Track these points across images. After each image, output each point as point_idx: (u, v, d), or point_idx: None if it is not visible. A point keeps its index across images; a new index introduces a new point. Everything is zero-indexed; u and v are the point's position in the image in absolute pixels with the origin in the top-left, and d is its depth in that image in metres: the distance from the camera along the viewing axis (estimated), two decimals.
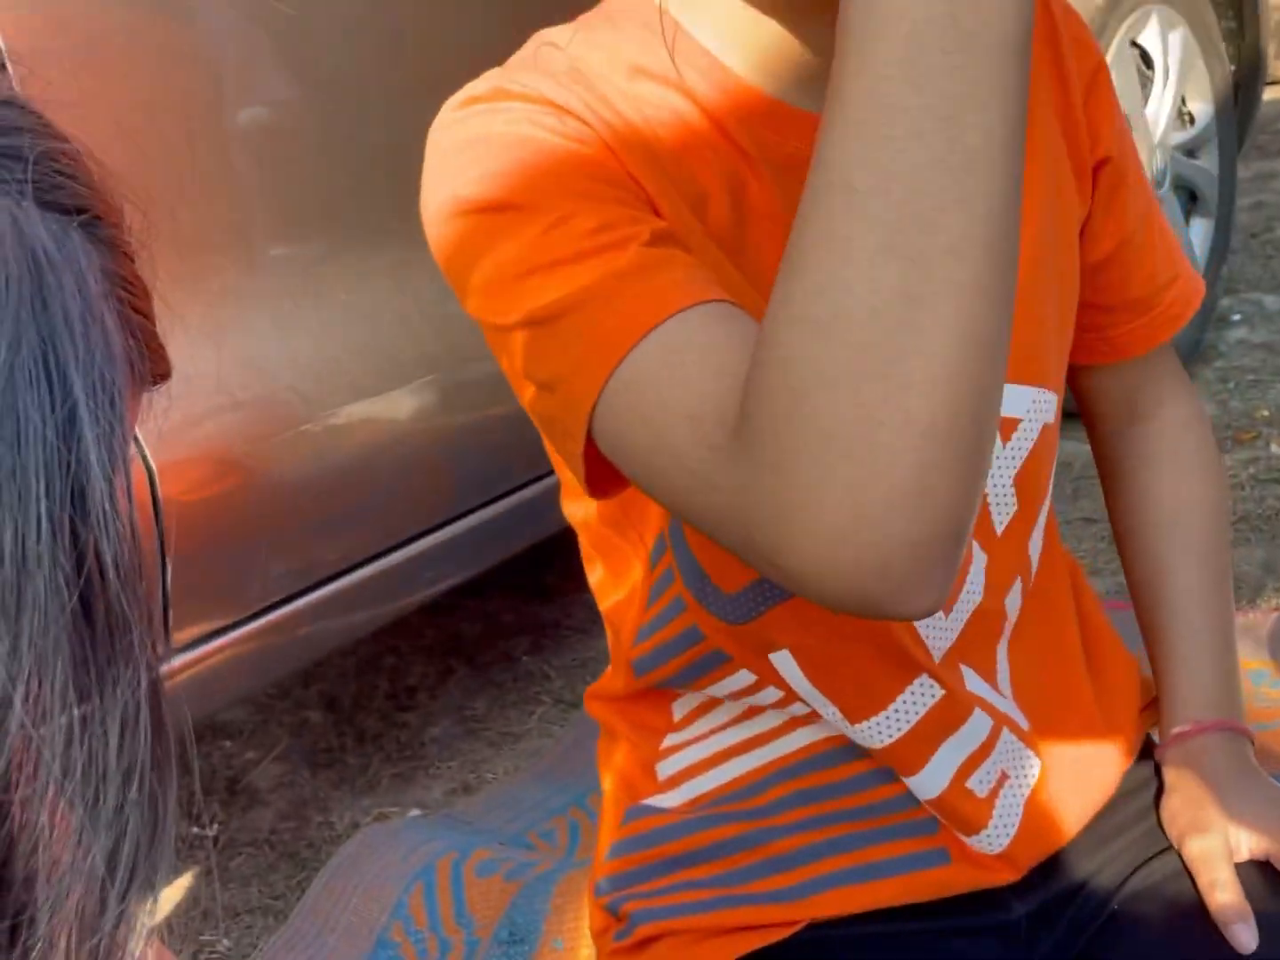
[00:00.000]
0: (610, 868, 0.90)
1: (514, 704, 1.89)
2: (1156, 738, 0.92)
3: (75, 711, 0.36)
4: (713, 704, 0.86)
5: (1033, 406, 0.81)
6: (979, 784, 0.82)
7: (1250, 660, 1.57)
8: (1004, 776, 0.83)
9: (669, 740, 0.88)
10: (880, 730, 0.81)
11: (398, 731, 1.87)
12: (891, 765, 0.82)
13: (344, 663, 2.03)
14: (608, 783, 0.92)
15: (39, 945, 0.35)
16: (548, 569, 2.15)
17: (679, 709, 0.88)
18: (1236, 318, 2.75)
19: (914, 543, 0.50)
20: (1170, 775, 0.88)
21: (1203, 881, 0.82)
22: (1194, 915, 0.81)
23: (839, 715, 0.81)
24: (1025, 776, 0.84)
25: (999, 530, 0.82)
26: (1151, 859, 0.87)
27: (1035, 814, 0.84)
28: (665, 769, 0.88)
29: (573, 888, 1.36)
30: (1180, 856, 0.85)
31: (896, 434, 0.49)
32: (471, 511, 1.54)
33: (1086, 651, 0.91)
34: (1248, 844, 0.82)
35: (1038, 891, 0.86)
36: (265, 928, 1.51)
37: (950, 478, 0.50)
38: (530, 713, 1.87)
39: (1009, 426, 0.80)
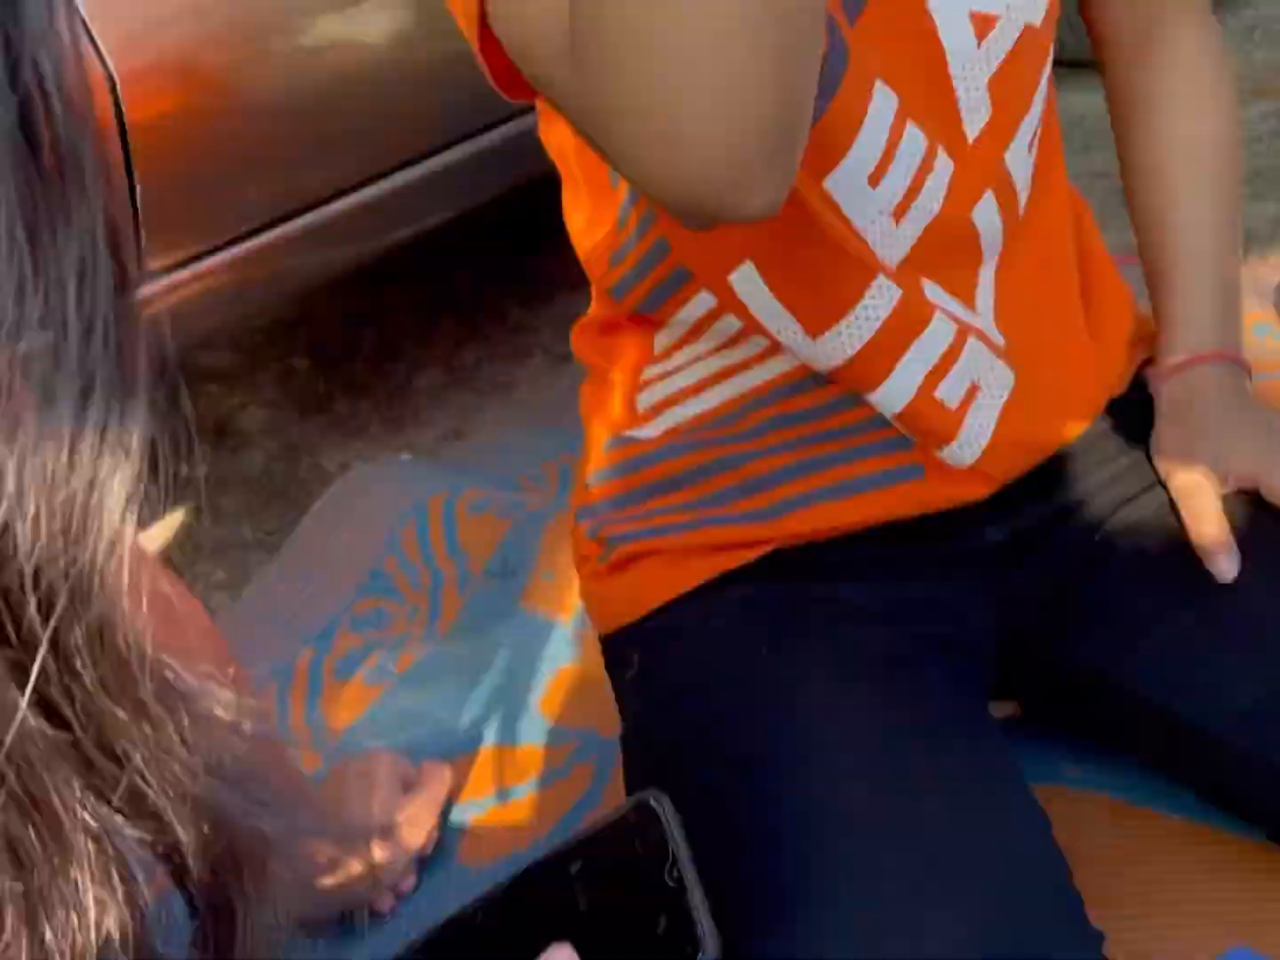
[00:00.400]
0: (590, 495, 0.90)
1: (504, 356, 1.88)
2: (1151, 376, 0.90)
3: (26, 257, 0.33)
4: (693, 335, 0.84)
5: (1012, 2, 0.76)
6: (948, 394, 0.80)
7: (1255, 313, 1.55)
8: (974, 388, 0.81)
9: (648, 372, 0.87)
10: (841, 341, 0.78)
11: (386, 380, 1.85)
12: (856, 384, 0.80)
13: (329, 314, 2.00)
14: (590, 421, 0.92)
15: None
16: (536, 222, 2.09)
17: (660, 342, 0.86)
18: None
19: (730, 146, 0.53)
20: (1164, 405, 0.87)
21: (1186, 513, 0.81)
22: (1178, 549, 0.81)
23: (801, 333, 0.79)
24: (998, 389, 0.82)
25: (970, 138, 0.78)
26: (1139, 495, 0.86)
27: (1010, 427, 0.82)
28: (644, 400, 0.87)
29: (563, 527, 1.37)
30: (1168, 491, 0.84)
31: (699, 36, 0.51)
32: (457, 143, 1.48)
33: (1083, 283, 0.89)
34: (1236, 471, 0.82)
35: (1015, 517, 0.85)
36: (259, 561, 1.53)
37: (760, 81, 0.52)
38: (520, 364, 1.85)
39: (985, 24, 0.75)
